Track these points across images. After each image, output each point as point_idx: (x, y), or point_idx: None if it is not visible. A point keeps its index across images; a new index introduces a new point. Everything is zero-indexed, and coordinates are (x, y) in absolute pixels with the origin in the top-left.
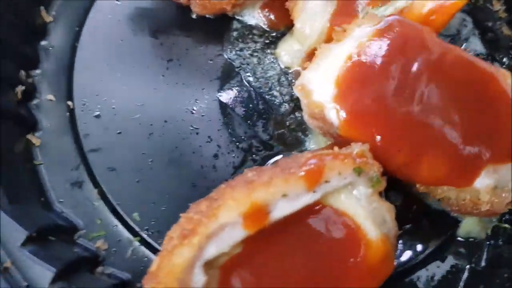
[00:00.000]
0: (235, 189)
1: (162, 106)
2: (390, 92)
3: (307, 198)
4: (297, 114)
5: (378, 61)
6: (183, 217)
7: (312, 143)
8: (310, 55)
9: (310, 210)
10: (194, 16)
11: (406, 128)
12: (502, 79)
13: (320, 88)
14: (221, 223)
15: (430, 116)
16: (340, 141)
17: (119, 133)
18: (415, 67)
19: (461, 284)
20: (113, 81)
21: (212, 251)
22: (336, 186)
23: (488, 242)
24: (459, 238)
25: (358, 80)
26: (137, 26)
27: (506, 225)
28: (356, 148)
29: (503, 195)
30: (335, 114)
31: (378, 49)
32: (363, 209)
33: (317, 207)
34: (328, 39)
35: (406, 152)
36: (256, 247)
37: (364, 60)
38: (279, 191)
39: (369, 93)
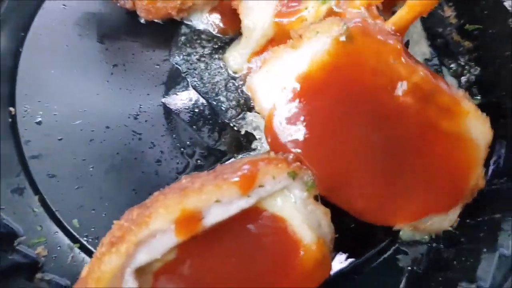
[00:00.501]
0: (167, 196)
1: (104, 112)
2: (328, 121)
3: (242, 203)
4: (243, 119)
5: (328, 86)
6: (115, 224)
7: (259, 148)
8: (256, 53)
9: (245, 214)
10: (142, 21)
11: (341, 148)
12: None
13: (266, 95)
14: (151, 230)
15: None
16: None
17: (60, 139)
18: (363, 99)
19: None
20: (56, 87)
21: (142, 258)
22: (270, 190)
23: (429, 245)
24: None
25: (304, 99)
26: (83, 31)
27: (450, 228)
28: (291, 154)
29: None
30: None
31: (330, 71)
32: (298, 212)
33: (253, 212)
34: (276, 33)
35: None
36: (190, 253)
37: (313, 82)
38: (211, 197)
39: (306, 117)
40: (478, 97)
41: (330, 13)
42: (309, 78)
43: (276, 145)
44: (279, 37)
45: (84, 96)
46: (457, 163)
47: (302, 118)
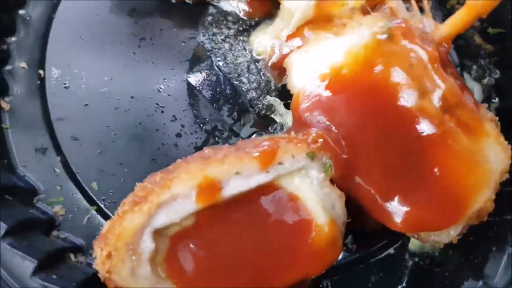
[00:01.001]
0: (190, 163)
1: (130, 82)
2: (352, 112)
3: (260, 178)
4: (263, 101)
5: (358, 79)
6: (138, 185)
7: (277, 131)
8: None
9: (263, 190)
10: (173, 0)
11: (362, 133)
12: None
13: (299, 73)
14: (173, 193)
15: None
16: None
17: (86, 105)
18: (390, 97)
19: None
20: (85, 55)
21: (162, 219)
22: (289, 168)
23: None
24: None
25: (333, 87)
26: (114, 3)
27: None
28: (313, 132)
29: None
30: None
31: (364, 65)
32: (314, 193)
33: (270, 188)
34: (315, 15)
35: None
36: (207, 222)
37: (345, 72)
38: (232, 168)
39: (332, 104)
40: (496, 100)
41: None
42: (342, 67)
43: (299, 123)
44: (318, 20)
45: (111, 66)
46: (465, 181)
47: (327, 103)
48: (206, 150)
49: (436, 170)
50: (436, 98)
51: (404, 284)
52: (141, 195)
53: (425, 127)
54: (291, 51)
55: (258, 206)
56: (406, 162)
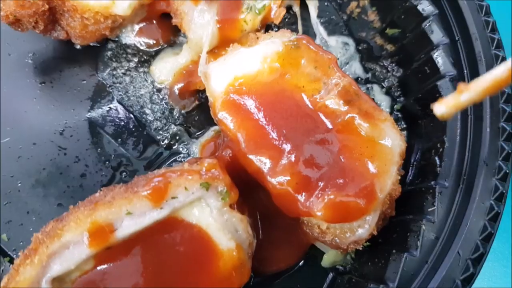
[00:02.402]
0: (79, 209)
1: (32, 129)
2: (265, 110)
3: (154, 215)
4: (168, 131)
5: (271, 81)
6: (34, 236)
7: (183, 159)
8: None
9: (162, 224)
10: (78, 47)
11: (272, 133)
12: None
13: (218, 80)
14: (63, 242)
15: (296, 136)
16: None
17: None
18: (298, 95)
19: None
20: None
21: (57, 268)
22: (184, 201)
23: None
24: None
25: (253, 85)
26: (13, 50)
27: (367, 243)
28: (206, 162)
29: (347, 234)
30: (221, 105)
31: (275, 69)
32: (215, 221)
33: (170, 221)
34: (221, 40)
35: (266, 154)
36: (107, 263)
37: (259, 76)
38: (121, 209)
39: (256, 96)
40: (402, 99)
41: (264, 23)
42: (257, 72)
43: (220, 125)
44: (222, 45)
45: (12, 114)
46: (372, 163)
47: (243, 105)
48: (98, 193)
49: (345, 157)
50: (338, 92)
51: None
52: (32, 247)
53: (331, 119)
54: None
55: (159, 241)
56: (318, 156)
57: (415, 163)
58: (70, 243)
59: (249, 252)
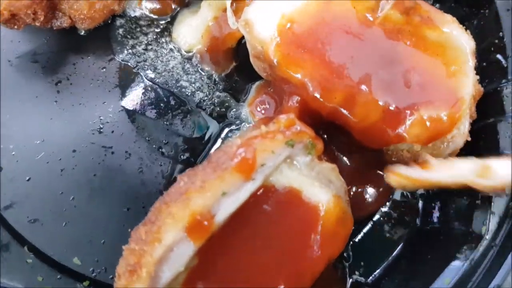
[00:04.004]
0: (170, 205)
1: (64, 136)
2: (334, 34)
3: (249, 187)
4: (213, 99)
5: (320, 9)
6: (125, 249)
7: (237, 121)
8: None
9: (256, 196)
10: (82, 33)
11: (341, 67)
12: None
13: (264, 23)
14: (166, 245)
15: (366, 62)
16: (278, 87)
17: (28, 179)
18: (355, 20)
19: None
20: (3, 126)
21: (166, 276)
22: (273, 165)
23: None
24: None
25: (304, 19)
26: (11, 55)
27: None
28: (283, 118)
29: (442, 147)
30: (276, 50)
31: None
32: (307, 177)
33: (262, 191)
34: None
35: (341, 91)
36: (212, 252)
37: (306, 6)
38: (216, 192)
39: (312, 31)
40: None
41: None
42: (304, 4)
43: (279, 73)
44: None
45: (37, 126)
46: (449, 69)
47: (301, 44)
48: (182, 182)
49: (420, 70)
50: (393, 4)
51: (417, 223)
52: (134, 262)
53: (395, 34)
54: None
55: (258, 213)
56: (393, 78)
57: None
58: (173, 244)
59: (346, 199)
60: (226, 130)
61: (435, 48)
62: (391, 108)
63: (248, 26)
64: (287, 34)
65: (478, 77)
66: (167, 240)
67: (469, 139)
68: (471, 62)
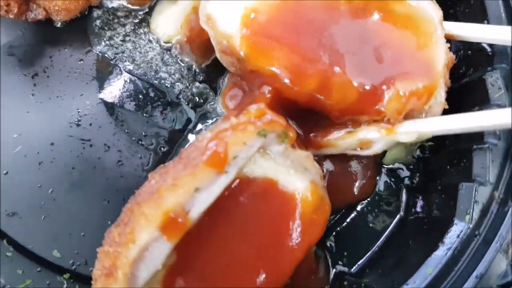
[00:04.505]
0: (142, 205)
1: (42, 129)
2: (301, 19)
3: (222, 181)
4: (192, 90)
5: None
6: (100, 252)
7: (216, 110)
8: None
9: (230, 188)
10: (58, 25)
11: (311, 51)
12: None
13: (227, 17)
14: (140, 246)
15: (336, 43)
16: (248, 79)
17: (6, 173)
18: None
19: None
20: None
21: (143, 275)
22: (246, 157)
23: (417, 157)
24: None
25: (268, 8)
26: None
27: (430, 143)
28: (253, 109)
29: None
30: (243, 42)
31: None
32: (282, 166)
33: (237, 183)
34: None
35: (314, 76)
36: (190, 249)
37: None
38: (189, 188)
39: (277, 19)
40: None
41: None
42: None
43: (247, 65)
44: None
45: (14, 119)
46: (417, 39)
47: (268, 34)
48: (153, 180)
49: (390, 44)
50: None
51: (401, 212)
52: (109, 264)
53: (361, 13)
54: None
55: (234, 206)
56: (365, 55)
57: (459, 54)
58: (148, 244)
59: (323, 185)
60: (201, 124)
61: (403, 21)
62: (367, 87)
63: (210, 21)
64: (252, 25)
65: (448, 45)
66: (141, 240)
67: (447, 107)
68: (439, 31)
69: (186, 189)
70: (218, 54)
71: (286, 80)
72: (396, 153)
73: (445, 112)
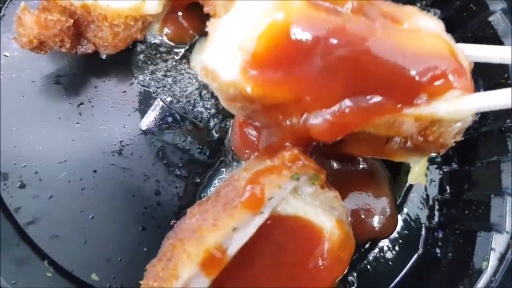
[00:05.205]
0: (184, 242)
1: (86, 156)
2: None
3: (257, 221)
4: (226, 124)
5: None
6: (143, 284)
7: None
8: None
9: (264, 226)
10: (104, 57)
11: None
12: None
13: (227, 64)
14: (183, 282)
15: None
16: (266, 119)
17: (51, 197)
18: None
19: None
20: (27, 144)
21: None
22: (280, 198)
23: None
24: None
25: (267, 42)
26: (35, 76)
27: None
28: (287, 154)
29: (452, 125)
30: (250, 82)
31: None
32: (311, 206)
33: (270, 221)
34: None
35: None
36: (224, 283)
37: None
38: (228, 229)
39: (280, 46)
40: None
41: None
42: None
43: (272, 92)
44: None
45: (60, 146)
46: (430, 51)
47: (281, 60)
48: (193, 218)
49: (407, 58)
50: (352, 9)
51: (420, 250)
52: None
53: (367, 35)
54: None
55: (266, 242)
56: (381, 70)
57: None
58: (189, 280)
59: (348, 222)
60: (231, 158)
61: (412, 39)
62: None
63: (210, 74)
64: (256, 63)
65: (463, 50)
66: (183, 276)
67: (476, 118)
68: (449, 39)
69: (225, 229)
70: (224, 103)
71: (309, 99)
72: (419, 171)
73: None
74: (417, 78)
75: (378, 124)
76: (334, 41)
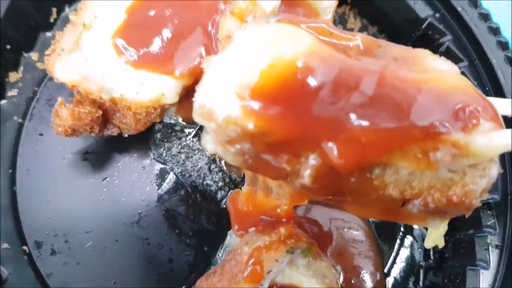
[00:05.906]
0: None
1: (109, 227)
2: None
3: None
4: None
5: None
6: None
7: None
8: None
9: None
10: (126, 136)
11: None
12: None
13: (224, 101)
14: None
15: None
16: (269, 164)
17: (78, 264)
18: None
19: None
20: (57, 215)
21: None
22: (278, 271)
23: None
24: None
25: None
26: (65, 153)
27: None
28: (283, 230)
29: (477, 178)
30: (252, 116)
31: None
32: (305, 275)
33: None
34: None
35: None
36: None
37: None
38: None
39: (282, 85)
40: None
41: None
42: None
43: (274, 126)
44: None
45: (87, 217)
46: (456, 85)
47: (284, 92)
48: None
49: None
50: (360, 51)
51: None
52: None
53: (382, 82)
54: None
55: None
56: (409, 112)
57: None
58: None
59: (338, 286)
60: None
61: (430, 78)
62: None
63: (206, 113)
64: (259, 99)
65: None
66: None
67: (501, 171)
68: (466, 82)
69: None
70: (221, 149)
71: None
72: (438, 235)
73: None
74: (449, 110)
75: (407, 151)
76: (351, 79)
